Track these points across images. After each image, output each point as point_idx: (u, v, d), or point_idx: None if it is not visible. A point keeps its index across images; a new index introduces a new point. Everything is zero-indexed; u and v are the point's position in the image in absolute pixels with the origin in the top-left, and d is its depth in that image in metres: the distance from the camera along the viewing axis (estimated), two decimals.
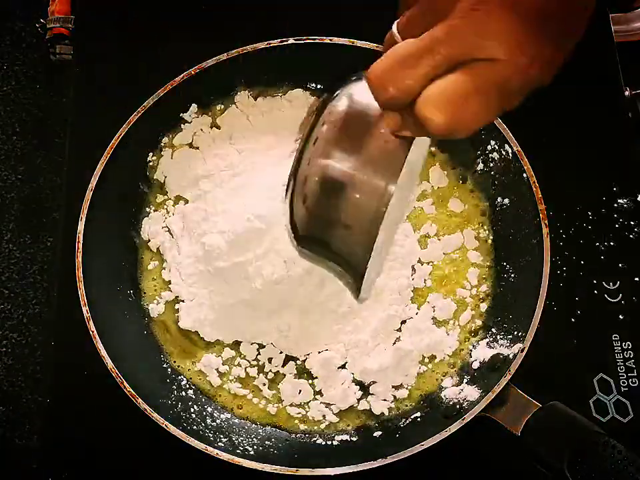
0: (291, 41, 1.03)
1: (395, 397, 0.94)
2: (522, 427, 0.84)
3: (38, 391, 0.98)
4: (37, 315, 1.02)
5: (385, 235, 0.65)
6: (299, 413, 0.94)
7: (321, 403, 0.95)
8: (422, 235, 1.01)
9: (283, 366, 0.96)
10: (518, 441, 0.84)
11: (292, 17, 1.13)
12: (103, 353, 0.90)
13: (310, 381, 0.95)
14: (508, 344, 0.92)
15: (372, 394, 0.94)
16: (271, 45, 1.03)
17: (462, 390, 0.92)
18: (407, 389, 0.95)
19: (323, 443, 0.93)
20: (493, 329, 0.96)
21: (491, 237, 1.00)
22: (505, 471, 0.93)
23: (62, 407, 0.97)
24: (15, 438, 0.96)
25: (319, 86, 1.07)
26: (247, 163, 1.02)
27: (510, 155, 0.97)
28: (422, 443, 0.85)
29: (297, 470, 0.86)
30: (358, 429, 0.93)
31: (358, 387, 0.95)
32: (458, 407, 0.90)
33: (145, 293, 0.99)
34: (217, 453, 0.86)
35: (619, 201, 1.05)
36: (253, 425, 0.94)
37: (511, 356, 0.89)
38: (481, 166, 1.01)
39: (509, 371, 0.87)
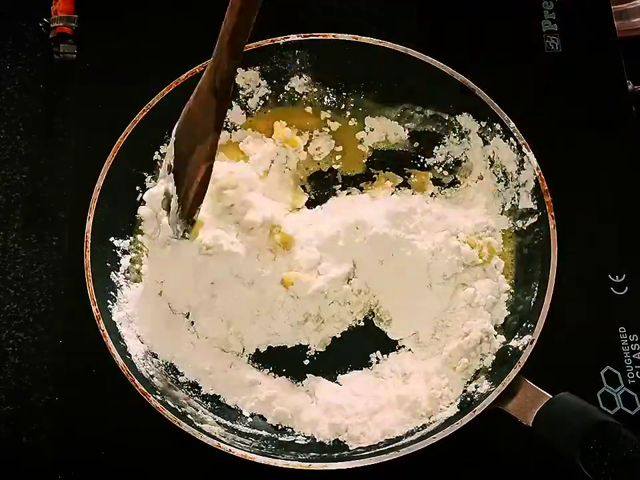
0: (293, 37, 1.03)
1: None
2: (533, 418, 0.84)
3: (46, 389, 0.97)
4: (44, 314, 1.01)
5: None
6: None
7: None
8: None
9: None
10: (530, 432, 0.84)
11: (295, 14, 1.14)
12: (113, 350, 0.90)
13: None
14: (517, 336, 0.92)
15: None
16: (275, 42, 1.04)
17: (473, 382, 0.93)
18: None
19: None
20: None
21: (500, 231, 1.01)
22: (517, 462, 0.93)
23: (70, 405, 0.97)
24: (23, 437, 0.96)
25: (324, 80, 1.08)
26: None
27: (515, 147, 0.98)
28: (434, 436, 0.85)
29: (309, 465, 0.86)
30: None
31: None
32: (469, 399, 0.90)
33: None
34: (230, 450, 0.86)
35: (624, 192, 1.06)
36: (265, 420, 0.94)
37: (520, 347, 0.90)
38: None
39: (519, 362, 0.88)
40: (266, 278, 0.95)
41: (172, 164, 0.91)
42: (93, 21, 1.12)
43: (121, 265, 0.99)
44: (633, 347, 0.98)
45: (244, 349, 0.97)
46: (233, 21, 0.82)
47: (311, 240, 0.98)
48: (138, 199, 1.02)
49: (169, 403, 0.89)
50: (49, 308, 1.02)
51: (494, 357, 0.93)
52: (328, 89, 1.07)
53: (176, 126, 0.92)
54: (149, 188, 1.02)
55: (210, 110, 0.87)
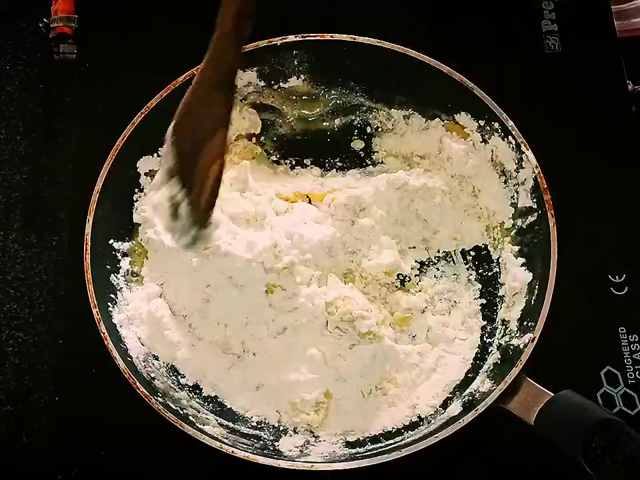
0: (291, 38, 1.04)
1: None
2: (535, 417, 0.84)
3: (46, 389, 0.97)
4: (44, 314, 1.01)
5: None
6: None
7: None
8: None
9: None
10: (531, 430, 0.84)
11: (293, 14, 1.14)
12: (115, 353, 0.89)
13: None
14: (518, 334, 0.92)
15: None
16: (272, 43, 1.04)
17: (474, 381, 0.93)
18: None
19: None
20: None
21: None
22: (519, 461, 0.93)
23: (70, 405, 0.97)
24: (23, 437, 0.95)
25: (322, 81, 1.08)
26: None
27: (514, 145, 0.98)
28: (436, 435, 0.85)
29: (312, 466, 0.85)
30: None
31: None
32: (471, 398, 0.90)
33: None
34: (233, 451, 0.85)
35: (624, 192, 1.06)
36: (267, 422, 0.94)
37: (521, 346, 0.89)
38: None
39: (520, 361, 0.87)
40: (253, 281, 0.94)
41: (173, 168, 0.84)
42: (93, 21, 1.12)
43: (120, 267, 0.99)
44: (633, 347, 0.98)
45: (244, 351, 0.97)
46: (234, 6, 0.79)
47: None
48: (137, 202, 1.02)
49: (171, 405, 0.89)
50: (49, 308, 1.02)
51: (495, 356, 0.93)
52: (326, 89, 1.07)
53: (172, 127, 0.85)
54: (144, 191, 1.02)
55: (215, 104, 0.83)
